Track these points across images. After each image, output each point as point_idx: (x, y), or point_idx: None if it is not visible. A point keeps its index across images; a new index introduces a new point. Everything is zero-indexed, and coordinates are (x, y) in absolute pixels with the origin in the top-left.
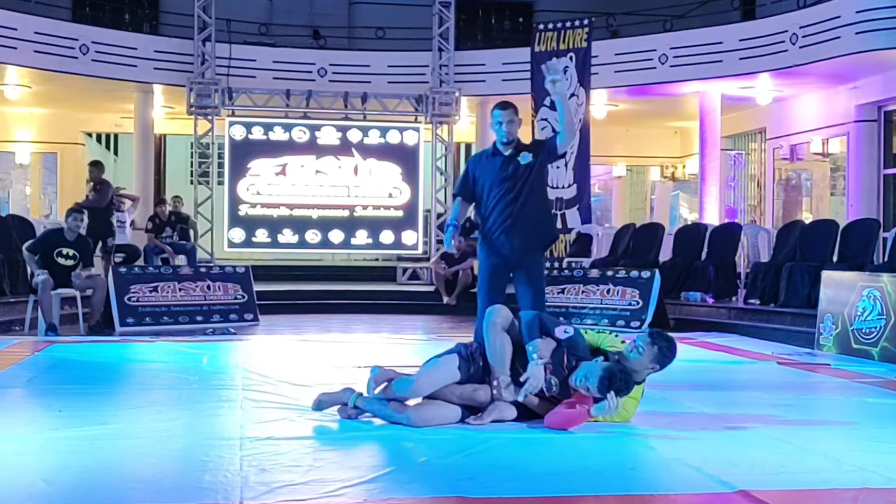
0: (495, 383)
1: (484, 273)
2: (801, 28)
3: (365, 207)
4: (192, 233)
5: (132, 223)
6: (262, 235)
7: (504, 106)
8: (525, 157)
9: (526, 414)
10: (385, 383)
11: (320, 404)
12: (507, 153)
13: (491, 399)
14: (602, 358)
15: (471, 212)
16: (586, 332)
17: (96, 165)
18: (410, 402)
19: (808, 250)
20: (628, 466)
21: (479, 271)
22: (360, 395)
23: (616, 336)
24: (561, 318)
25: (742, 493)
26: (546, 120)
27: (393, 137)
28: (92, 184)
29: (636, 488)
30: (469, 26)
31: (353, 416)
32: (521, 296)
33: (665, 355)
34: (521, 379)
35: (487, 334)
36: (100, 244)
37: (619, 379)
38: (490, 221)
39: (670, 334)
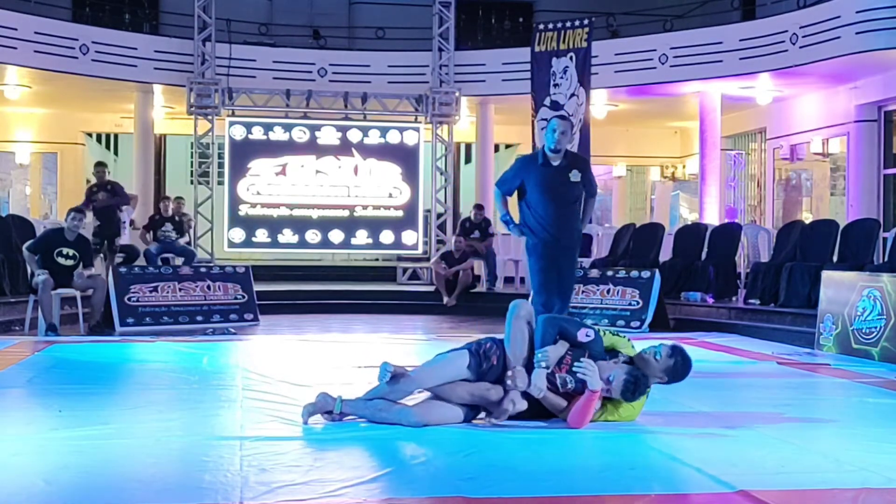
0: (509, 373)
1: (538, 257)
2: (801, 28)
3: (365, 207)
4: (185, 226)
5: (132, 223)
6: (262, 235)
7: (563, 117)
8: (576, 175)
9: (534, 412)
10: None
11: (308, 418)
12: (555, 163)
13: (504, 392)
14: (621, 360)
15: (471, 212)
16: (603, 333)
17: (105, 166)
18: (411, 402)
19: (808, 250)
20: (628, 466)
21: (533, 267)
22: (341, 399)
23: (627, 339)
24: (582, 320)
25: (742, 493)
26: (546, 120)
27: (393, 137)
28: (96, 184)
29: (636, 488)
30: (469, 26)
31: (337, 420)
32: (560, 290)
33: (677, 372)
34: (524, 387)
35: (510, 325)
36: (105, 243)
37: (642, 383)
38: (543, 226)
39: (686, 352)
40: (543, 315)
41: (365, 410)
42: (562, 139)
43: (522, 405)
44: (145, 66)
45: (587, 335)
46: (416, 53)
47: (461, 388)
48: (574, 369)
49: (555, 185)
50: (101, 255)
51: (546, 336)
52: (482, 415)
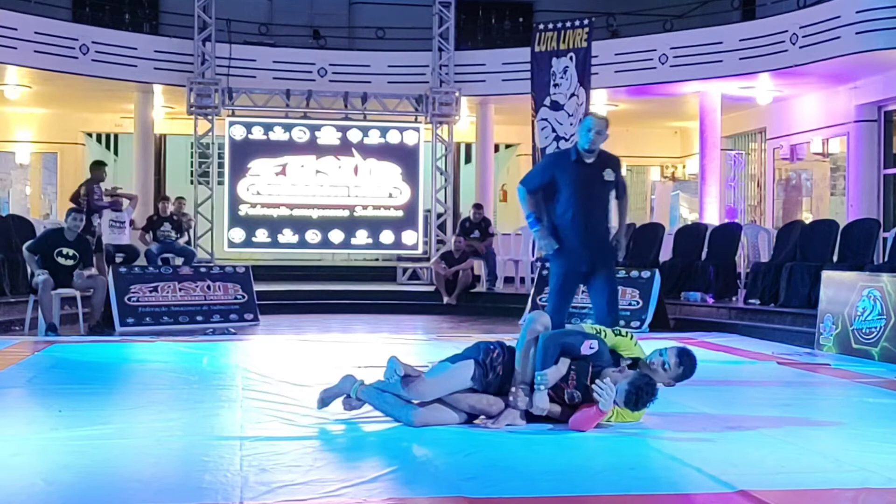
0: (513, 389)
1: (559, 277)
2: (801, 28)
3: (365, 207)
4: (184, 226)
5: (132, 223)
6: (262, 235)
7: (600, 116)
8: (609, 174)
9: (535, 417)
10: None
11: (324, 402)
12: (589, 161)
13: (505, 405)
14: (621, 367)
15: (470, 212)
16: (605, 334)
17: (105, 166)
18: (415, 401)
19: (808, 250)
20: (628, 466)
21: (554, 274)
22: (362, 384)
23: (631, 338)
24: (573, 322)
25: (742, 493)
26: (546, 120)
27: (393, 137)
28: (94, 181)
29: (636, 488)
30: (469, 26)
31: (356, 406)
32: (597, 300)
33: (685, 375)
34: (525, 407)
35: (522, 339)
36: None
37: (646, 392)
38: (572, 228)
39: (692, 352)
40: (545, 333)
41: (375, 400)
42: (597, 139)
43: (519, 424)
44: (145, 66)
45: (591, 347)
46: (416, 53)
47: (464, 398)
48: (592, 387)
49: (588, 183)
50: None
51: (547, 357)
52: (489, 424)
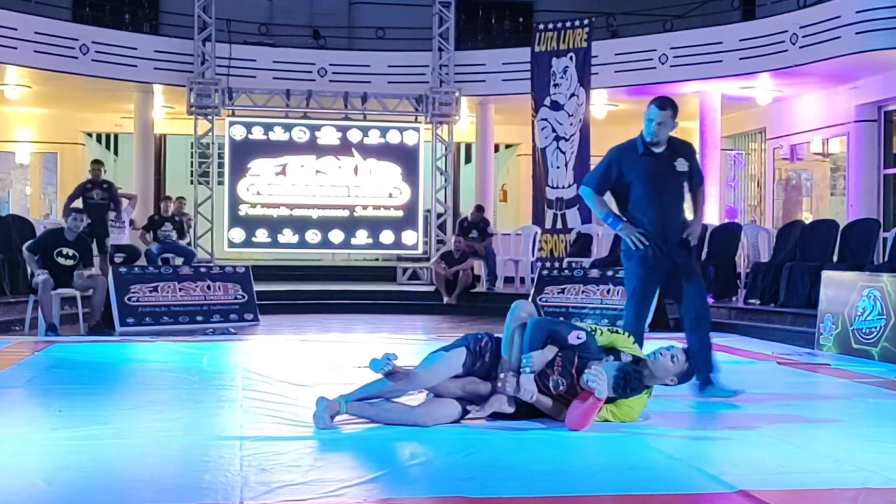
0: (501, 376)
1: (638, 280)
2: (801, 28)
3: (365, 207)
4: (185, 227)
5: (132, 223)
6: (262, 235)
7: (663, 105)
8: (682, 164)
9: (528, 412)
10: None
11: (324, 423)
12: (658, 151)
13: (492, 391)
14: (612, 357)
15: (469, 213)
16: (600, 332)
17: (102, 164)
18: (412, 402)
19: (808, 250)
20: (628, 466)
21: (632, 274)
22: (345, 402)
23: (628, 336)
24: (573, 321)
25: (742, 493)
26: (546, 120)
27: (393, 137)
28: (91, 181)
29: (636, 488)
30: (469, 26)
31: (329, 426)
32: (687, 295)
33: (688, 376)
34: (512, 392)
35: (507, 328)
36: (95, 243)
37: (633, 378)
38: (649, 226)
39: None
40: (534, 319)
41: (370, 411)
42: (659, 131)
43: (508, 409)
44: (145, 66)
45: (578, 338)
46: (416, 53)
47: (453, 383)
48: (584, 376)
49: (660, 176)
50: None
51: (534, 341)
52: (475, 411)
